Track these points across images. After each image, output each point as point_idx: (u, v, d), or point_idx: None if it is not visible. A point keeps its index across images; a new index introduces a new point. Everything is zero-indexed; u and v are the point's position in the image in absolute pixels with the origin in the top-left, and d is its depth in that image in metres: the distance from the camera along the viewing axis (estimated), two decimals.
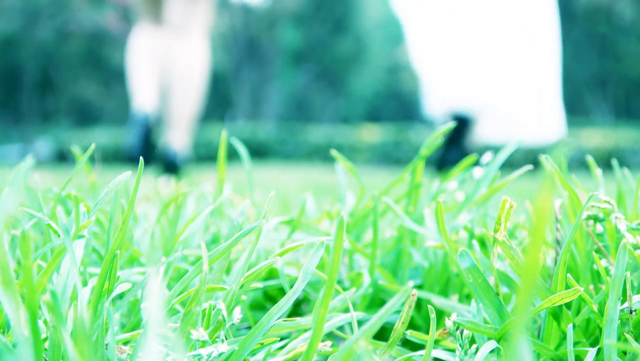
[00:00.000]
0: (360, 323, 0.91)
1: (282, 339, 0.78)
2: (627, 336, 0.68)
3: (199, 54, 3.56)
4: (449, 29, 4.71)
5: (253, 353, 0.71)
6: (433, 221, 1.06)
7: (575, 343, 0.75)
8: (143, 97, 3.39)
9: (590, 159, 1.02)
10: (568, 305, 0.79)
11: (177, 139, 3.66)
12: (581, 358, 0.72)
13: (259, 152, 14.15)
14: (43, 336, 0.63)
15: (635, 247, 0.80)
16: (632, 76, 25.68)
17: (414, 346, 0.88)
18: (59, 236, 0.74)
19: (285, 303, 0.66)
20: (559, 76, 4.83)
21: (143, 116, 3.44)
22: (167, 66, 3.52)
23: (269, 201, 0.77)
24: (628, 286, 0.70)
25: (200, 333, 0.62)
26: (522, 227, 1.11)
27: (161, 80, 3.56)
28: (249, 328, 0.96)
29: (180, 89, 3.55)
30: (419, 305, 0.98)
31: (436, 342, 0.82)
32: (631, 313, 0.69)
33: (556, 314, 0.72)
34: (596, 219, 0.86)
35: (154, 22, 3.62)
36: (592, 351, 0.68)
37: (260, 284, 0.80)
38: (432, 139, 1.11)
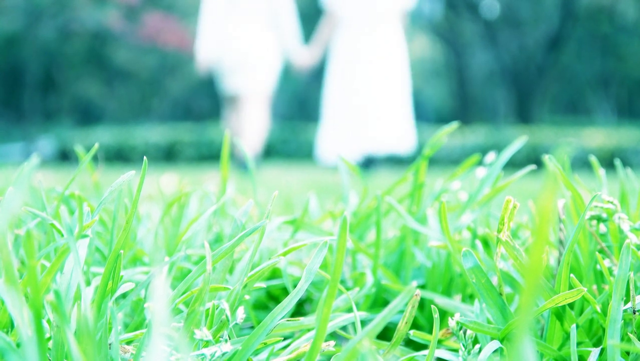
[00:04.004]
0: (363, 322, 0.91)
1: (285, 339, 0.78)
2: (631, 336, 0.68)
3: (260, 118, 6.55)
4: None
5: (256, 352, 0.72)
6: (436, 221, 1.06)
7: (579, 343, 0.75)
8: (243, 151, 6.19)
9: (593, 159, 1.02)
10: (571, 305, 0.79)
11: (248, 151, 6.04)
12: (584, 358, 0.72)
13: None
14: (47, 335, 0.64)
15: (639, 247, 0.80)
16: (635, 76, 25.64)
17: (417, 346, 0.88)
18: (62, 235, 0.74)
19: (289, 303, 0.66)
20: (410, 97, 6.77)
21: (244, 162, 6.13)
22: (243, 124, 6.48)
23: (272, 200, 0.77)
24: (631, 287, 0.70)
25: (203, 333, 0.62)
26: (525, 227, 1.11)
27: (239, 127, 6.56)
28: (252, 327, 0.96)
29: (251, 135, 6.46)
30: (422, 304, 0.98)
31: (439, 342, 0.82)
32: (634, 313, 0.69)
33: (559, 314, 0.72)
34: (599, 219, 0.86)
35: (234, 109, 6.62)
36: (595, 352, 0.68)
37: (263, 284, 0.80)
38: (435, 139, 1.11)
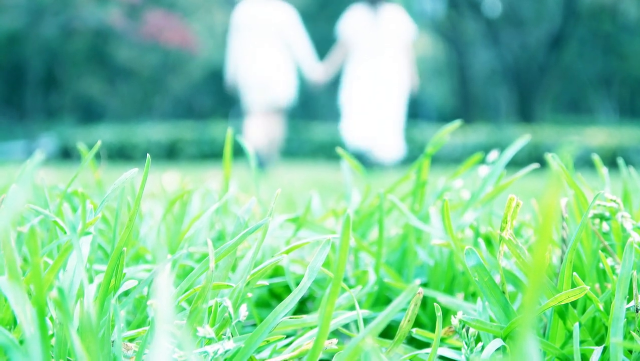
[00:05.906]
0: (365, 320, 0.91)
1: (287, 336, 0.78)
2: (633, 334, 0.68)
3: (277, 127, 7.96)
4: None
5: (259, 350, 0.72)
6: (439, 219, 1.06)
7: (581, 342, 0.75)
8: (254, 144, 7.49)
9: (596, 157, 1.02)
10: (574, 304, 0.79)
11: (267, 152, 7.69)
12: (587, 357, 0.72)
13: None
14: (50, 332, 0.64)
15: None
16: (637, 75, 25.62)
17: (420, 344, 0.88)
18: (65, 233, 0.74)
19: (291, 301, 0.66)
20: (403, 115, 8.17)
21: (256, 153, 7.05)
22: (267, 132, 7.80)
23: (275, 198, 0.77)
24: (634, 285, 0.70)
25: (206, 330, 0.62)
26: (528, 225, 1.11)
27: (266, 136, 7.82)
28: (255, 325, 0.96)
29: (268, 141, 7.75)
30: (425, 303, 0.98)
31: (442, 340, 0.82)
32: (637, 311, 0.69)
33: (562, 312, 0.72)
34: (602, 217, 0.86)
35: (255, 120, 7.83)
36: (598, 350, 0.68)
37: (266, 282, 0.80)
38: (438, 138, 1.11)
